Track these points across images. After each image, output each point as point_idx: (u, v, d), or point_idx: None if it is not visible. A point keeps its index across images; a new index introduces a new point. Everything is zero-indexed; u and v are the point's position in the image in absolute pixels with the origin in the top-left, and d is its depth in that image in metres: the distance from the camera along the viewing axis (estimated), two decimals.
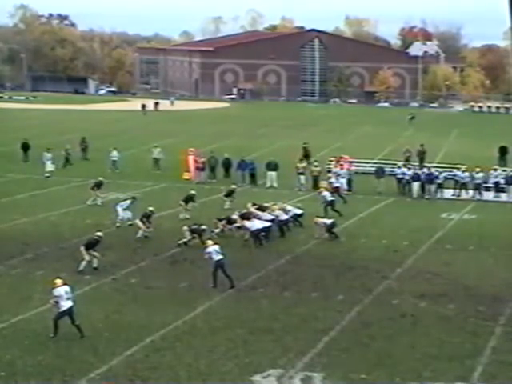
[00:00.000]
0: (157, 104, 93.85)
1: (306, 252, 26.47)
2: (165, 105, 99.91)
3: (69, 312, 17.77)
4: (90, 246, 23.44)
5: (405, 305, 20.68)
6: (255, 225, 26.85)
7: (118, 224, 29.13)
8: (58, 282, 18.10)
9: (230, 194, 33.14)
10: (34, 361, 16.51)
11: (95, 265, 23.34)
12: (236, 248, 26.13)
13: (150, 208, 28.15)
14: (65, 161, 44.84)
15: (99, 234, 23.87)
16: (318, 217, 28.73)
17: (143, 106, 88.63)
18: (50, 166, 41.62)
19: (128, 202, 29.81)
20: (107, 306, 19.95)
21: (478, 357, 17.13)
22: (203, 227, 26.73)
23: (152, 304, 20.35)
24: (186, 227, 26.87)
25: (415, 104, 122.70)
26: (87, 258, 23.26)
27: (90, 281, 22.23)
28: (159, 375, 15.96)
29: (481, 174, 37.89)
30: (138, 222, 27.85)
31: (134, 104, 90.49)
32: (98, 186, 33.65)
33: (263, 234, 26.96)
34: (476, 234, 29.59)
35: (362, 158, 46.25)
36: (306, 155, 46.63)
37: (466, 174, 38.04)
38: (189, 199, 30.98)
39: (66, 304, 17.75)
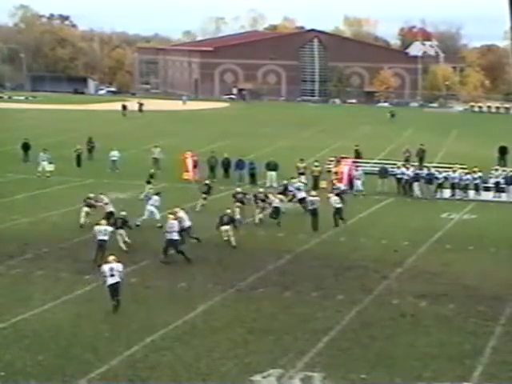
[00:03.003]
0: (141, 105, 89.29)
1: (306, 252, 26.47)
2: (177, 104, 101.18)
3: (111, 287, 19.34)
4: (121, 223, 25.31)
5: (405, 305, 20.67)
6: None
7: (137, 223, 28.78)
8: (109, 258, 19.74)
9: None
10: (33, 361, 16.49)
11: (124, 245, 25.22)
12: (235, 248, 26.15)
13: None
14: (77, 160, 45.06)
15: (123, 213, 26.06)
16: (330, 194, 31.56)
17: (124, 107, 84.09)
18: (48, 166, 41.62)
19: (157, 197, 30.04)
20: (107, 306, 19.93)
21: (478, 357, 17.13)
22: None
23: (152, 304, 20.35)
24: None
25: (415, 104, 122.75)
26: (126, 237, 25.36)
27: (90, 281, 22.20)
28: (159, 375, 15.96)
29: (455, 174, 37.97)
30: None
31: (134, 104, 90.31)
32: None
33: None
34: (476, 234, 29.60)
35: (361, 158, 46.28)
36: (358, 157, 46.51)
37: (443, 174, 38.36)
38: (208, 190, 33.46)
39: (109, 280, 19.37)
